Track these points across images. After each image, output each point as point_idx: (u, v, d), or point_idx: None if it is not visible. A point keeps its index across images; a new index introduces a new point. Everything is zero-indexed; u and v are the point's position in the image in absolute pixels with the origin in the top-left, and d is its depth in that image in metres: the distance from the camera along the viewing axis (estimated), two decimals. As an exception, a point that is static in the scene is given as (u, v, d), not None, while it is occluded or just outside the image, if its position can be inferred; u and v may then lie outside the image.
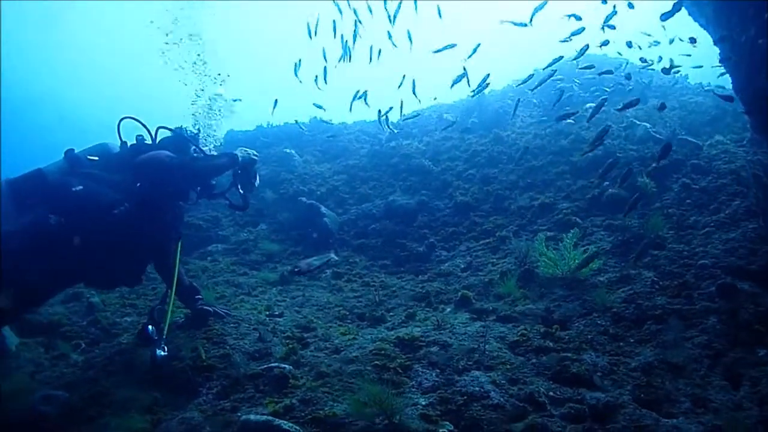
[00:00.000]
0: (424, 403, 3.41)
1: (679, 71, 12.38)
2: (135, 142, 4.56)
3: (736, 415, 3.25)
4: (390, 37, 9.04)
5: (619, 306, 4.80)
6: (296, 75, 9.19)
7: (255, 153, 4.80)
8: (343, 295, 6.20)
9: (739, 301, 4.42)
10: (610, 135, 8.66)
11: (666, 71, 7.60)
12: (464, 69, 8.14)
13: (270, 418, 3.12)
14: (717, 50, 5.76)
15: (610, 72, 8.57)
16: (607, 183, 7.51)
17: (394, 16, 8.55)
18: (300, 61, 9.28)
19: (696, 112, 9.90)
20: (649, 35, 9.83)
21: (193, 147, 4.80)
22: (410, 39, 8.74)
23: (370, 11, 9.02)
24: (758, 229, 5.37)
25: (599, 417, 3.32)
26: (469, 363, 3.95)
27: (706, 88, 11.45)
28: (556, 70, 8.21)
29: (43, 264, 3.64)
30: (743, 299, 4.43)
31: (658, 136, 8.29)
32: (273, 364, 3.99)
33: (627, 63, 12.85)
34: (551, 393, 3.54)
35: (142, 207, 4.10)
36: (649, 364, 3.90)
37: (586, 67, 8.54)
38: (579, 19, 7.97)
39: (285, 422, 3.08)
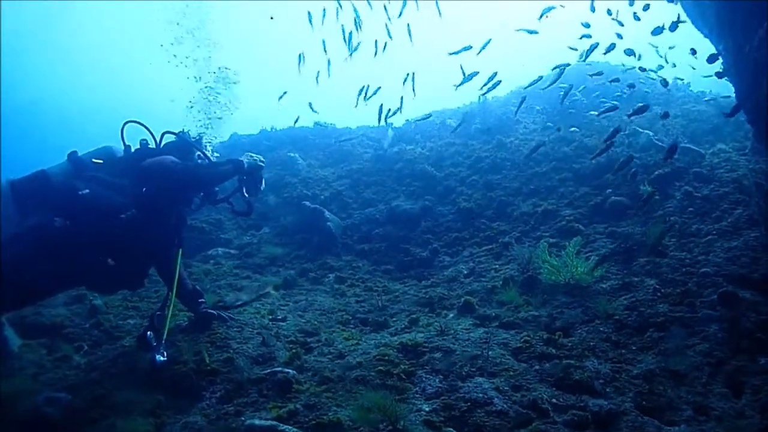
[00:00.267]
0: (427, 409, 3.42)
1: (682, 80, 12.45)
2: (139, 146, 4.57)
3: (737, 423, 3.27)
4: (388, 32, 9.09)
5: (622, 313, 4.81)
6: (299, 69, 9.23)
7: (261, 159, 4.80)
8: (346, 300, 6.22)
9: (740, 309, 4.43)
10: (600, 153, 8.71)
11: (664, 83, 7.65)
12: (462, 72, 8.20)
13: (275, 423, 3.14)
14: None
15: (617, 80, 8.65)
16: (610, 190, 7.53)
17: (400, 13, 8.61)
18: (302, 55, 9.30)
19: (698, 121, 9.93)
20: (655, 46, 9.89)
21: (198, 152, 4.81)
22: (410, 34, 8.79)
23: (370, 5, 9.06)
24: (760, 238, 5.37)
25: (602, 424, 3.34)
26: (473, 369, 3.96)
27: (706, 99, 11.48)
28: (564, 69, 8.26)
29: (46, 267, 3.65)
30: (745, 307, 4.44)
31: (660, 144, 8.31)
32: (276, 369, 4.01)
33: (626, 69, 12.89)
34: (554, 400, 3.55)
35: (147, 211, 4.12)
36: (651, 372, 3.91)
37: (595, 74, 8.61)
38: (588, 26, 8.05)
39: (289, 427, 3.10)
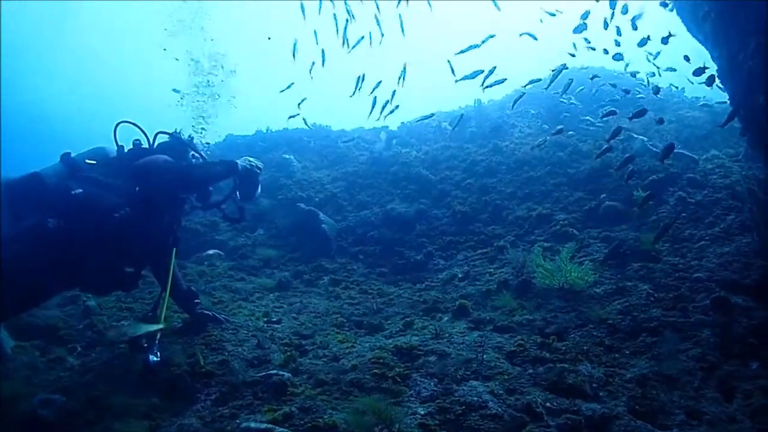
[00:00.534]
0: (422, 412, 3.43)
1: (677, 87, 12.56)
2: (132, 146, 4.56)
3: (729, 428, 3.30)
4: (378, 23, 9.13)
5: (615, 318, 4.84)
6: (294, 56, 9.25)
7: (259, 164, 4.78)
8: (341, 303, 6.22)
9: (732, 314, 4.47)
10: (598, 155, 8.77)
11: (656, 90, 7.72)
12: (451, 68, 8.25)
13: (270, 426, 3.14)
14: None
15: (614, 85, 8.74)
16: (604, 195, 7.58)
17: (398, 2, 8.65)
18: (296, 42, 9.32)
19: (692, 126, 10.00)
20: (652, 54, 9.98)
21: (192, 152, 4.80)
22: (402, 27, 8.82)
23: None
24: (752, 244, 5.42)
25: (595, 428, 3.36)
26: (467, 373, 3.98)
27: (700, 104, 11.57)
28: (561, 70, 8.32)
29: (41, 268, 3.63)
30: (737, 313, 4.48)
31: (654, 149, 8.36)
32: (272, 371, 4.01)
33: (619, 74, 13.00)
34: (548, 403, 3.57)
35: (141, 211, 4.10)
36: (644, 376, 3.93)
37: (592, 77, 8.69)
38: (588, 42, 8.15)
39: (285, 430, 3.11)
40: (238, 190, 4.72)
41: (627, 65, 9.86)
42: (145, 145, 4.63)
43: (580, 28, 8.57)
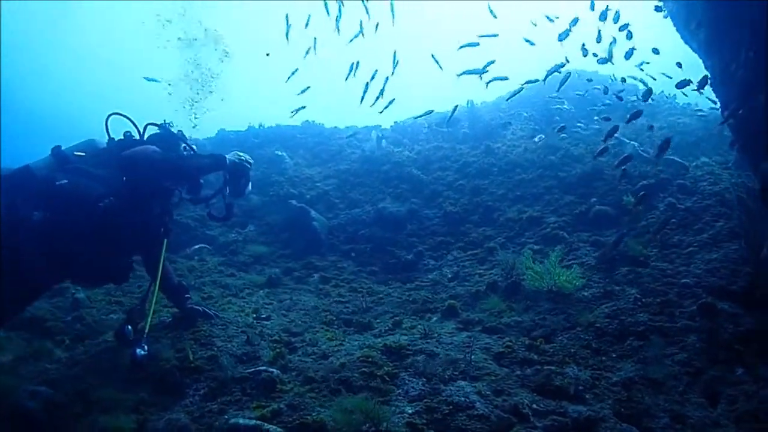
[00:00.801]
0: (410, 411, 3.45)
1: (668, 96, 12.68)
2: (123, 137, 4.54)
3: (713, 433, 3.34)
4: (366, 8, 9.16)
5: (603, 321, 4.88)
6: (287, 38, 9.25)
7: (249, 159, 4.70)
8: (331, 300, 6.23)
9: (719, 320, 4.52)
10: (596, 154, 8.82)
11: (646, 96, 7.80)
12: (435, 60, 8.29)
13: (259, 422, 3.15)
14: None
15: (606, 91, 8.82)
16: (594, 199, 7.63)
17: None
18: (288, 20, 9.31)
19: (683, 133, 10.08)
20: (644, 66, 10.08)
21: (183, 144, 4.77)
22: (392, 12, 8.84)
23: None
24: (740, 251, 5.48)
25: (581, 430, 3.39)
26: (455, 373, 4.00)
27: (695, 109, 11.68)
28: (564, 64, 8.38)
29: (29, 263, 3.59)
30: (723, 319, 4.53)
31: (645, 155, 8.43)
32: (261, 368, 4.01)
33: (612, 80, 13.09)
34: (535, 405, 3.59)
35: (128, 201, 4.07)
36: (630, 379, 3.98)
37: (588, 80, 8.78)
38: (585, 53, 8.21)
39: (273, 427, 3.11)
40: (228, 185, 4.68)
41: (612, 74, 9.97)
42: (136, 136, 4.61)
43: (564, 35, 8.66)
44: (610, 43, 8.32)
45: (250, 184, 4.74)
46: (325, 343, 4.74)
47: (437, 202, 8.93)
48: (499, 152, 10.15)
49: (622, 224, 6.87)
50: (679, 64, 7.35)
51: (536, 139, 10.01)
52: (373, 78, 9.36)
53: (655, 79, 9.15)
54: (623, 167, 6.64)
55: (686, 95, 11.77)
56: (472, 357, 4.21)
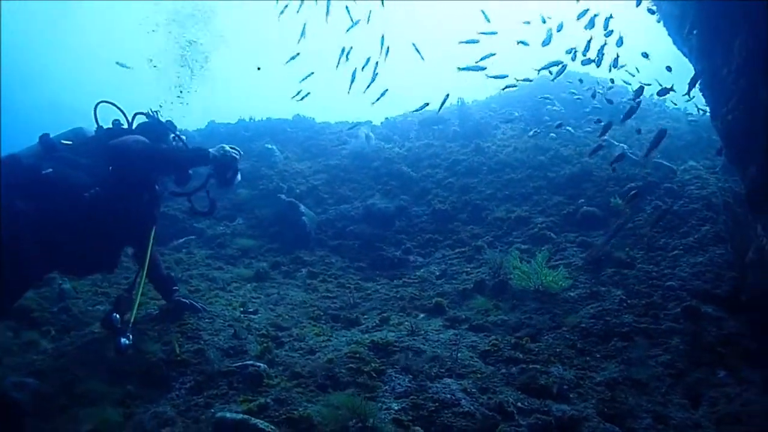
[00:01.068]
0: (396, 408, 3.47)
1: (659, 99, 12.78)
2: (111, 126, 4.49)
3: (694, 434, 3.40)
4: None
5: (588, 322, 4.93)
6: (280, 13, 9.28)
7: (235, 153, 4.58)
8: (318, 295, 6.24)
9: (703, 323, 4.58)
10: (587, 153, 8.89)
11: (637, 95, 7.87)
12: (417, 50, 8.31)
13: (246, 417, 3.15)
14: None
15: (594, 95, 8.91)
16: (582, 200, 7.69)
17: None
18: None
19: (672, 137, 10.12)
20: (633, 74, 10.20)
21: (173, 135, 4.73)
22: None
23: None
24: (725, 255, 5.55)
25: (564, 429, 3.43)
26: (442, 370, 4.02)
27: (685, 114, 11.78)
28: (560, 62, 8.45)
29: (14, 253, 3.54)
30: (707, 322, 4.60)
31: (634, 157, 8.49)
32: (248, 362, 4.01)
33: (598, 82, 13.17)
34: (519, 403, 3.63)
35: (114, 191, 4.04)
36: (614, 380, 4.03)
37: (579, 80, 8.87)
38: (574, 57, 8.30)
39: (261, 421, 3.12)
40: (214, 178, 4.63)
41: (607, 77, 10.10)
42: (125, 125, 4.57)
43: (547, 41, 8.76)
44: (599, 50, 8.38)
45: (239, 174, 4.67)
46: (313, 338, 4.75)
47: (426, 200, 8.95)
48: (489, 151, 10.18)
49: (610, 225, 6.92)
50: (669, 68, 7.41)
51: (531, 134, 10.06)
52: (365, 67, 9.34)
53: (649, 85, 9.21)
54: (615, 164, 6.74)
55: (675, 103, 11.90)
56: (459, 355, 4.24)
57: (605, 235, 6.39)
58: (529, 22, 9.83)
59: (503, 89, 9.97)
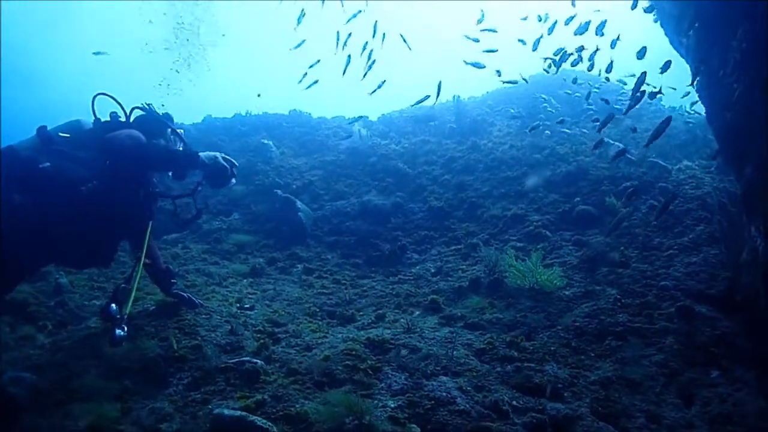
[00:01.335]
0: (393, 405, 3.49)
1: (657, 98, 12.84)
2: (109, 119, 4.47)
3: (686, 433, 3.44)
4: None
5: (582, 321, 4.96)
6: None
7: (231, 161, 4.56)
8: (314, 291, 6.26)
9: (696, 323, 4.62)
10: (583, 152, 8.92)
11: (639, 83, 7.91)
12: (404, 40, 8.36)
13: (244, 413, 3.16)
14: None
15: (588, 95, 8.95)
16: (578, 199, 7.72)
17: None
18: None
19: (667, 136, 10.15)
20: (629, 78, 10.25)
21: (170, 129, 4.71)
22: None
23: None
24: (719, 255, 5.59)
25: (559, 427, 3.46)
26: (437, 368, 4.05)
27: (681, 113, 11.81)
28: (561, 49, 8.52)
29: (11, 246, 3.54)
30: (701, 322, 4.63)
31: (629, 156, 8.52)
32: (245, 358, 4.02)
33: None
34: (514, 402, 3.66)
35: (111, 185, 4.04)
36: (608, 379, 4.06)
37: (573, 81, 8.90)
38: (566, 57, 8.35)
39: (258, 418, 3.13)
40: (206, 182, 4.59)
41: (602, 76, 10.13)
42: (123, 118, 4.56)
43: (536, 46, 8.82)
44: (590, 56, 8.41)
45: (233, 179, 4.64)
46: (309, 334, 4.76)
47: (422, 197, 8.97)
48: (485, 149, 10.21)
49: (605, 224, 6.95)
50: (663, 69, 7.43)
51: (528, 130, 10.11)
52: (362, 53, 9.33)
53: (649, 85, 9.25)
54: (616, 160, 6.82)
55: (672, 106, 11.96)
56: (454, 353, 4.26)
57: (607, 227, 6.42)
58: (526, 18, 9.88)
59: (505, 82, 9.95)
